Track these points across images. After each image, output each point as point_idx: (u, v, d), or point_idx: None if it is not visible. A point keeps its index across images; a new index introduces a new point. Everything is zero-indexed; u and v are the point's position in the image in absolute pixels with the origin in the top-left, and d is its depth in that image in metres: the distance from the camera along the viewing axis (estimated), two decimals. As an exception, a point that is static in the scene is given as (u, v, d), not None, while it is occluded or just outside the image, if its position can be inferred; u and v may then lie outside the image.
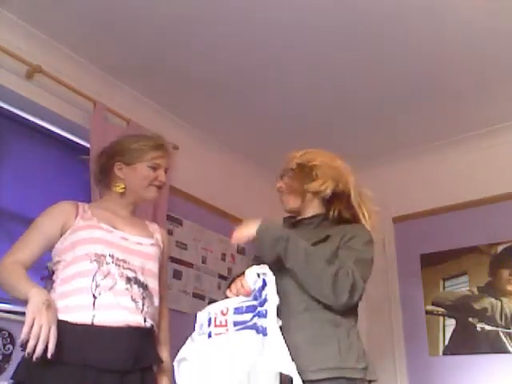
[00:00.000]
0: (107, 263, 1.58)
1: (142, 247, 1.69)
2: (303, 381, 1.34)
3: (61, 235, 1.62)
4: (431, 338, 3.06)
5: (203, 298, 3.06)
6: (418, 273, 3.23)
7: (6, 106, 2.44)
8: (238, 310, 1.44)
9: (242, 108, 3.06)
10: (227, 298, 1.52)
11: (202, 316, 1.51)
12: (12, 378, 1.48)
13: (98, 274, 1.56)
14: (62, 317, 1.49)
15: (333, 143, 3.30)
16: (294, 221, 1.74)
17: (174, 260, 2.91)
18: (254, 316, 1.40)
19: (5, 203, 2.32)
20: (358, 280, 1.48)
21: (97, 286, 1.55)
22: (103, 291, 1.55)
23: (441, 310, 3.08)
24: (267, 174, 3.64)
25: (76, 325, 1.49)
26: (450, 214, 3.20)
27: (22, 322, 1.38)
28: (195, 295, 3.01)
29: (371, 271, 1.59)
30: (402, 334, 3.18)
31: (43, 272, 2.28)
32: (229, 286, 1.54)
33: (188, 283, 2.98)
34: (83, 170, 2.58)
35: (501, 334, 2.82)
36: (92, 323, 1.50)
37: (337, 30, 2.40)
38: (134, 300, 1.58)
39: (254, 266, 1.47)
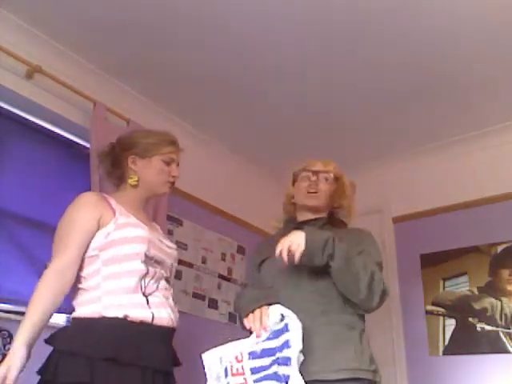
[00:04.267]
0: (153, 264, 1.61)
1: (172, 250, 1.76)
2: (322, 381, 1.38)
3: (98, 228, 1.57)
4: (431, 338, 3.06)
5: (203, 298, 3.06)
6: (418, 273, 3.22)
7: (6, 106, 2.44)
8: (252, 355, 1.38)
9: (242, 108, 3.06)
10: (244, 326, 1.50)
11: (213, 363, 1.41)
12: (64, 378, 1.40)
13: (148, 274, 1.58)
14: (120, 312, 1.49)
15: (333, 143, 3.34)
16: (299, 221, 1.77)
17: (174, 260, 2.91)
18: (273, 362, 1.33)
19: (4, 203, 2.32)
20: (386, 286, 1.55)
21: (145, 286, 1.56)
22: (152, 291, 1.58)
23: (441, 310, 3.08)
24: (267, 174, 3.64)
25: (138, 323, 1.49)
26: (450, 213, 3.20)
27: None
28: (195, 295, 3.01)
29: None
30: (402, 334, 3.18)
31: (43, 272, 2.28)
32: (247, 315, 1.49)
33: (188, 283, 2.98)
34: (83, 170, 2.58)
35: (501, 334, 2.82)
36: (151, 322, 1.51)
37: (337, 27, 2.39)
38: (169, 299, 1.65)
39: (279, 306, 1.44)
